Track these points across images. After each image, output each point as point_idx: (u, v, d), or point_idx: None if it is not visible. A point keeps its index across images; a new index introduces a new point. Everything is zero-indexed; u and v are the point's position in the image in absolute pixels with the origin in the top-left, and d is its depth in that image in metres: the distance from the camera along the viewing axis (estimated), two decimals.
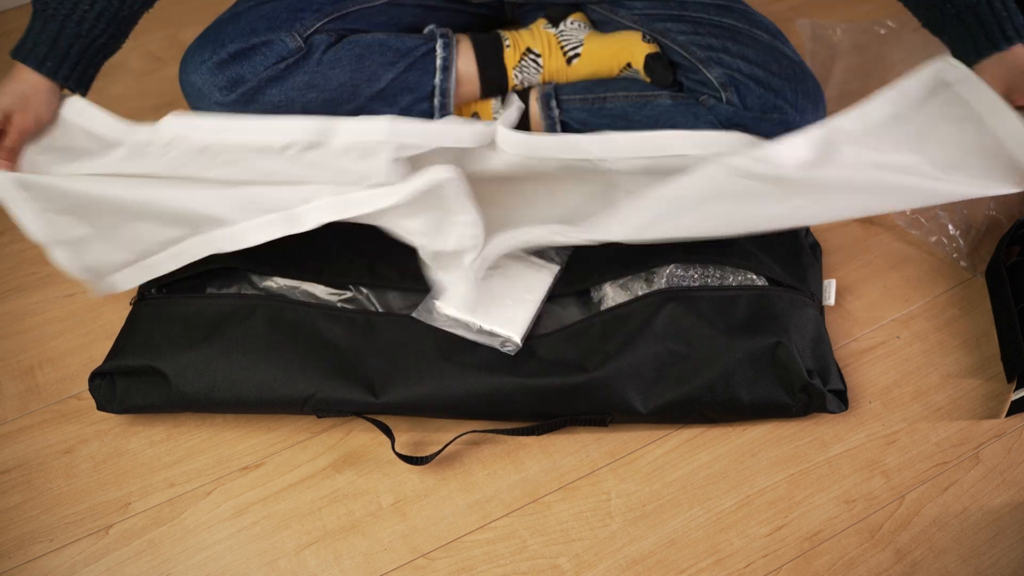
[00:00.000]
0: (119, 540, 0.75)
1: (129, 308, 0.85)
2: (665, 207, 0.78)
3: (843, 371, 0.82)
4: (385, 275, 0.86)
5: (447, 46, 0.96)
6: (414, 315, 0.81)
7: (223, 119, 0.79)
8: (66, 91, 0.80)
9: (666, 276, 0.82)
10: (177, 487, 0.78)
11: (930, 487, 0.76)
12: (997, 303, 0.88)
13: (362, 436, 0.81)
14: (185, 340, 0.79)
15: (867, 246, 0.95)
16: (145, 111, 1.15)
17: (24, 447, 0.81)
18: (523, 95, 1.01)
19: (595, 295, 0.86)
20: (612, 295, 0.83)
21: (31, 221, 0.77)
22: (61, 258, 0.79)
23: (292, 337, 0.79)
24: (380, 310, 0.84)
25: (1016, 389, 0.79)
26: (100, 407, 0.79)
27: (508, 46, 0.98)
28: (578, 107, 0.98)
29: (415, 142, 0.78)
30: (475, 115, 1.03)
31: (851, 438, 0.79)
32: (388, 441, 0.78)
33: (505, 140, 0.83)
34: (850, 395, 0.81)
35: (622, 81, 0.99)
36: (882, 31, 1.16)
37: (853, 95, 1.10)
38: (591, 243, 0.81)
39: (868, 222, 0.97)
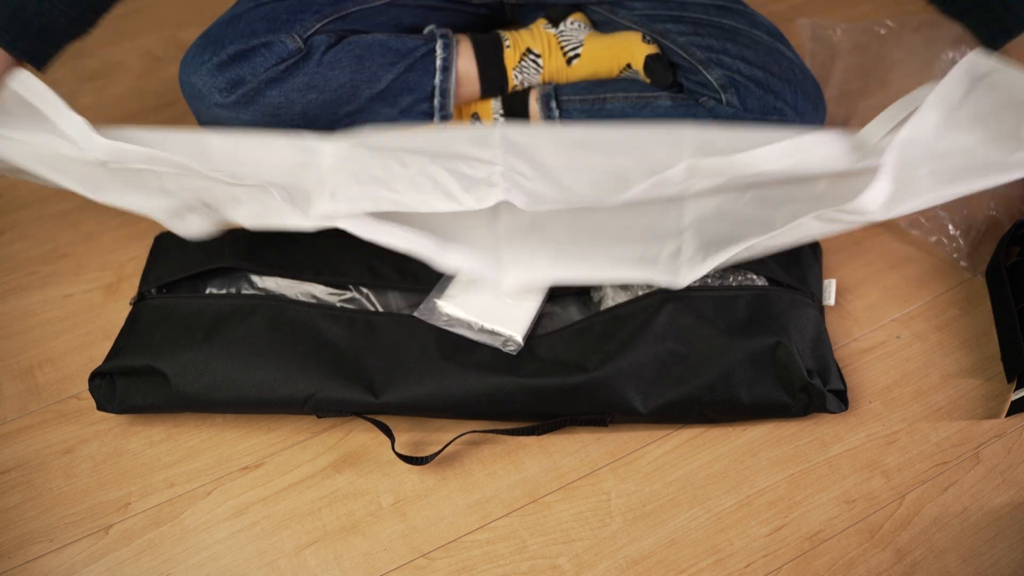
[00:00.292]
0: (119, 540, 0.75)
1: (129, 308, 0.85)
2: (757, 251, 0.79)
3: (843, 371, 0.82)
4: (385, 275, 0.86)
5: (447, 47, 0.96)
6: (415, 314, 0.81)
7: (151, 143, 0.78)
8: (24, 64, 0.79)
9: None
10: (177, 487, 0.78)
11: (930, 487, 0.76)
12: (997, 303, 0.88)
13: (362, 436, 0.81)
14: (185, 340, 0.79)
15: (867, 246, 0.95)
16: (145, 111, 1.15)
17: (24, 447, 0.81)
18: (523, 95, 1.01)
19: (595, 295, 0.86)
20: (612, 295, 0.84)
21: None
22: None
23: (292, 337, 0.79)
24: (380, 310, 0.84)
25: (1016, 389, 0.79)
26: (100, 407, 0.79)
27: (508, 46, 0.98)
28: (578, 108, 0.98)
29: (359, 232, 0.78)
30: (475, 115, 1.03)
31: (851, 438, 0.79)
32: (388, 441, 0.78)
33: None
34: (850, 395, 0.81)
35: (622, 82, 0.99)
36: (882, 31, 1.16)
37: (853, 95, 1.11)
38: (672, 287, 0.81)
39: None
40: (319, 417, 0.79)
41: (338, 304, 0.84)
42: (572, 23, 1.00)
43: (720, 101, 0.91)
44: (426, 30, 0.99)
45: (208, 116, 0.92)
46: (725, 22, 0.94)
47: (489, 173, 0.79)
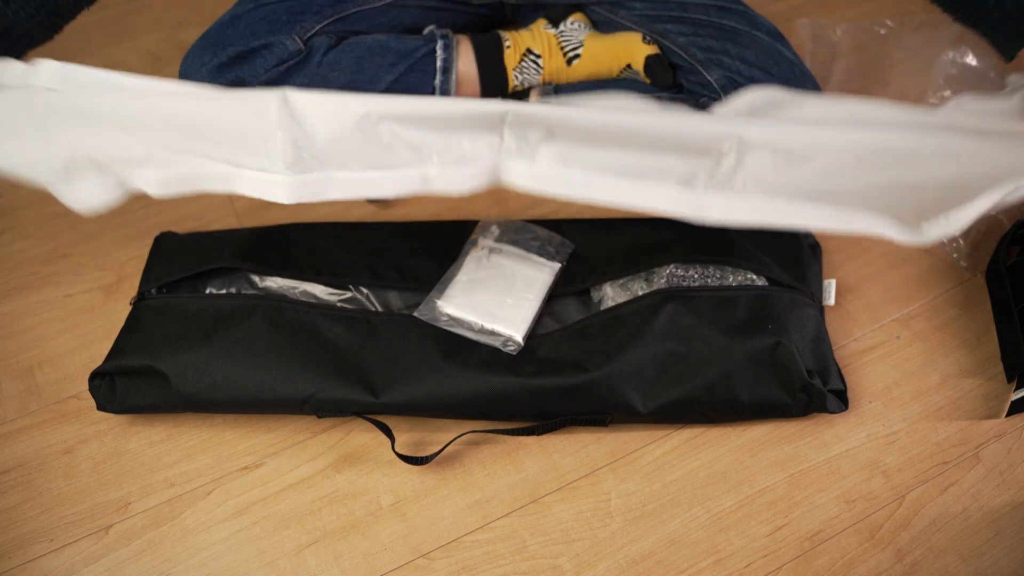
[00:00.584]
0: (119, 540, 0.75)
1: (129, 308, 0.85)
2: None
3: (843, 371, 0.82)
4: (385, 275, 0.86)
5: (447, 47, 0.96)
6: (415, 314, 0.81)
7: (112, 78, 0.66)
8: None
9: (666, 276, 0.82)
10: (177, 487, 0.78)
11: (930, 487, 0.76)
12: (997, 303, 0.88)
13: (362, 436, 0.81)
14: (185, 340, 0.79)
15: (867, 246, 0.95)
16: None
17: (24, 447, 0.81)
18: (523, 96, 1.01)
19: (595, 295, 0.86)
20: (612, 295, 0.84)
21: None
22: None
23: (292, 337, 0.79)
24: (380, 310, 0.84)
25: (1016, 389, 0.79)
26: (100, 407, 0.79)
27: (508, 47, 0.98)
28: None
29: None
30: None
31: (851, 438, 0.79)
32: (388, 441, 0.78)
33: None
34: (850, 395, 0.81)
35: (622, 82, 0.99)
36: (882, 31, 1.16)
37: (853, 95, 1.11)
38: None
39: None
40: (319, 417, 0.79)
41: (338, 304, 0.84)
42: (572, 23, 1.00)
43: (720, 102, 0.91)
44: (426, 31, 0.99)
45: None
46: (725, 23, 0.94)
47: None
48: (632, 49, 0.97)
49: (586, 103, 0.72)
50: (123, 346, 0.80)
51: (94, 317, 0.91)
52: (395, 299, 0.86)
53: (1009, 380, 0.82)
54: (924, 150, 0.66)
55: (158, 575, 0.72)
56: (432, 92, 0.96)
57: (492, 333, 0.80)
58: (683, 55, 0.95)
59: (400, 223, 0.93)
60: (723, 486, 0.76)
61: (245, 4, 0.93)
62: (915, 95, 1.08)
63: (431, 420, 0.81)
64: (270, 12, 0.91)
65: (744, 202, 0.65)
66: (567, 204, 1.00)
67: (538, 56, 0.99)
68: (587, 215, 0.99)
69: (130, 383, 0.79)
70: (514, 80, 0.99)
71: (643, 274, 0.84)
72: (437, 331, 0.80)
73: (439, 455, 0.77)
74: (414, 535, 0.74)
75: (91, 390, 0.79)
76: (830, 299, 0.86)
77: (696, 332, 0.78)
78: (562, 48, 0.99)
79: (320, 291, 0.86)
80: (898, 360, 0.85)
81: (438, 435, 0.80)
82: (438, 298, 0.82)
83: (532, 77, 1.00)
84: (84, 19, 1.32)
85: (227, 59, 0.88)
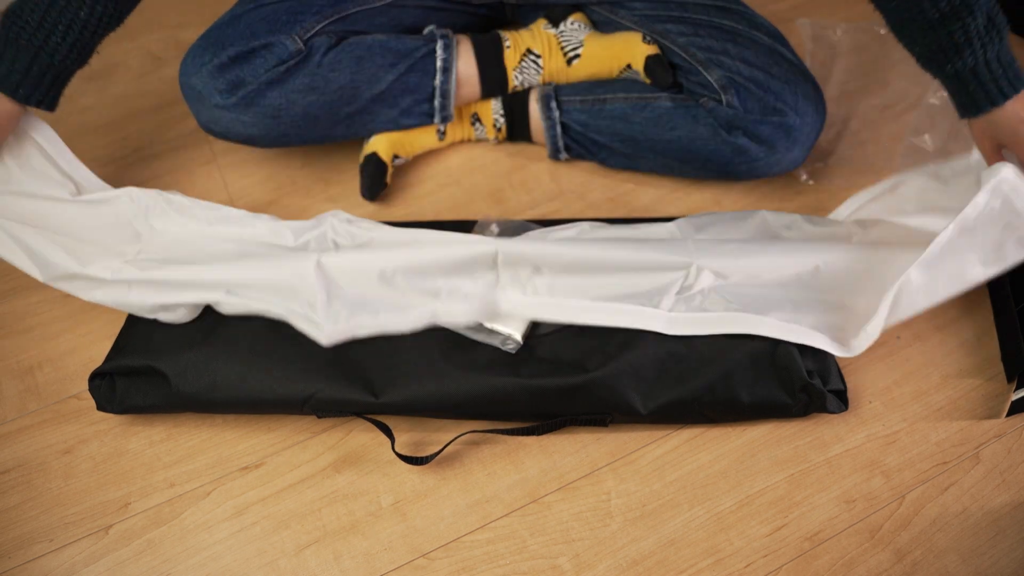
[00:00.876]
0: (119, 540, 0.75)
1: None
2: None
3: (843, 371, 0.82)
4: None
5: (447, 47, 0.96)
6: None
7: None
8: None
9: None
10: (177, 487, 0.78)
11: (930, 487, 0.76)
12: (997, 303, 0.88)
13: (362, 436, 0.81)
14: (185, 340, 0.79)
15: None
16: (145, 111, 1.15)
17: (24, 447, 0.81)
18: (523, 96, 1.01)
19: None
20: None
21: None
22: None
23: (292, 337, 0.79)
24: None
25: (1016, 389, 0.79)
26: (100, 407, 0.79)
27: (508, 47, 0.98)
28: (578, 108, 0.98)
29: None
30: (475, 116, 1.03)
31: (851, 438, 0.79)
32: (388, 441, 0.78)
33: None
34: (850, 395, 0.81)
35: (622, 82, 0.99)
36: (882, 31, 1.16)
37: (853, 95, 1.11)
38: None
39: None
40: (319, 417, 0.79)
41: None
42: (572, 23, 1.00)
43: (720, 102, 0.92)
44: (426, 31, 0.99)
45: (208, 117, 0.92)
46: (725, 23, 0.94)
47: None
48: (632, 49, 0.97)
49: (562, 236, 0.86)
50: (123, 346, 0.80)
51: (94, 317, 0.91)
52: None
53: (1009, 380, 0.82)
54: (840, 272, 0.80)
55: (158, 575, 0.72)
56: (432, 92, 0.96)
57: (491, 332, 0.80)
58: (683, 55, 0.95)
59: (400, 223, 0.93)
60: (723, 486, 0.76)
61: (245, 4, 0.93)
62: (915, 95, 1.08)
63: (431, 420, 0.81)
64: (270, 12, 0.91)
65: (703, 316, 0.78)
66: (566, 204, 1.00)
67: (538, 56, 0.99)
68: (587, 215, 0.99)
69: (130, 383, 0.79)
70: (514, 80, 0.99)
71: None
72: (437, 331, 0.80)
73: (439, 455, 0.77)
74: (414, 535, 0.74)
75: (91, 390, 0.79)
76: None
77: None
78: (562, 48, 0.99)
79: None
80: (898, 360, 0.85)
81: (438, 435, 0.80)
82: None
83: (532, 77, 1.00)
84: None
85: (227, 59, 0.88)
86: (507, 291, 0.81)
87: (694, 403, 0.76)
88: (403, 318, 0.79)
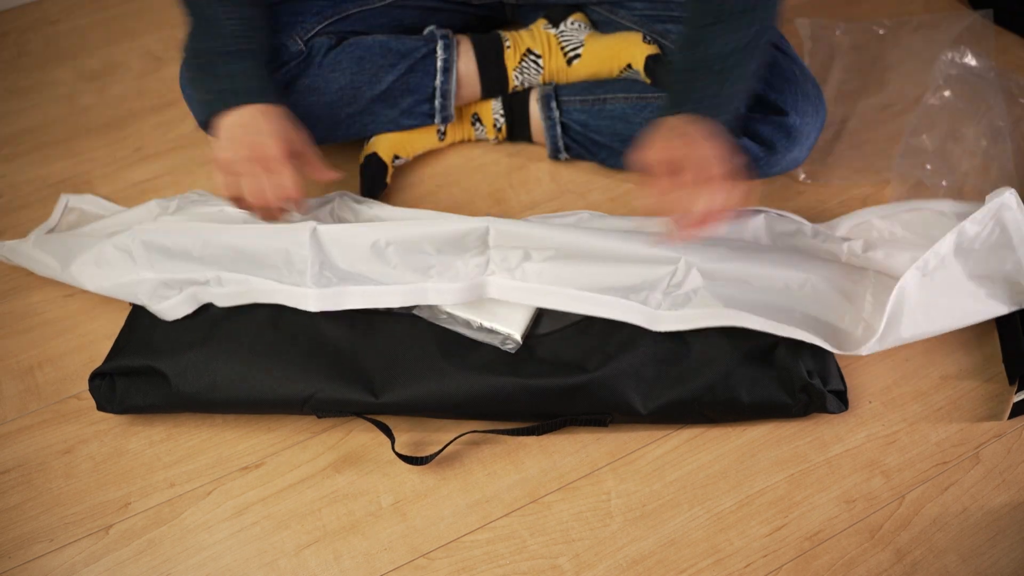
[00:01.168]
0: (119, 540, 0.75)
1: (129, 308, 0.85)
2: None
3: (843, 371, 0.82)
4: None
5: (447, 47, 0.96)
6: (415, 313, 0.81)
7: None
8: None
9: None
10: (177, 487, 0.78)
11: (930, 487, 0.76)
12: None
13: (362, 436, 0.81)
14: (185, 340, 0.79)
15: None
16: (145, 111, 1.15)
17: (24, 447, 0.81)
18: (523, 96, 1.01)
19: None
20: None
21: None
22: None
23: (292, 337, 0.79)
24: (380, 310, 0.84)
25: (1018, 391, 0.79)
26: (100, 407, 0.79)
27: (508, 47, 0.98)
28: (578, 108, 0.98)
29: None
30: (475, 116, 1.03)
31: (851, 438, 0.79)
32: (388, 441, 0.78)
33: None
34: (850, 395, 0.81)
35: (622, 82, 0.99)
36: (881, 31, 1.16)
37: (852, 95, 1.11)
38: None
39: None
40: (319, 417, 0.79)
41: None
42: (572, 23, 1.00)
43: None
44: (426, 31, 0.99)
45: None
46: None
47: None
48: (632, 49, 0.97)
49: (560, 223, 0.88)
50: (123, 346, 0.80)
51: (94, 317, 0.91)
52: None
53: (1011, 382, 0.82)
54: (829, 290, 0.80)
55: (158, 575, 0.72)
56: (432, 92, 0.96)
57: (491, 331, 0.80)
58: None
59: None
60: (723, 486, 0.76)
61: None
62: (914, 95, 1.08)
63: (431, 420, 0.81)
64: (271, 14, 0.91)
65: (689, 312, 0.78)
66: (566, 204, 1.00)
67: (538, 56, 0.99)
68: None
69: (130, 383, 0.79)
70: (514, 80, 0.99)
71: None
72: (437, 331, 0.80)
73: (439, 455, 0.77)
74: (414, 535, 0.74)
75: (91, 390, 0.79)
76: None
77: (696, 332, 0.78)
78: (562, 48, 0.99)
79: None
80: (898, 360, 0.85)
81: (438, 435, 0.80)
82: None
83: (532, 77, 1.00)
84: (84, 19, 1.32)
85: None
86: (496, 276, 0.81)
87: (694, 403, 0.76)
88: (393, 293, 0.80)
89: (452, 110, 0.98)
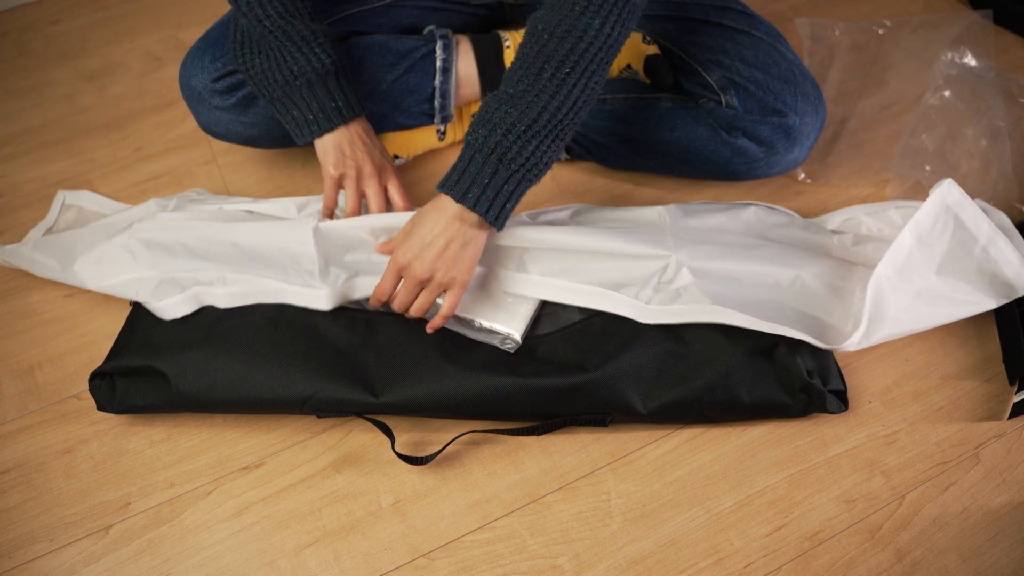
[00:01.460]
0: (119, 540, 0.75)
1: (129, 308, 0.85)
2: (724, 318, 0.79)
3: (843, 371, 0.82)
4: None
5: (447, 47, 0.95)
6: None
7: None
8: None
9: None
10: (177, 487, 0.78)
11: (930, 487, 0.76)
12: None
13: (362, 436, 0.81)
14: (185, 340, 0.79)
15: None
16: (145, 111, 1.15)
17: (24, 447, 0.81)
18: None
19: None
20: None
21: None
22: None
23: (292, 337, 0.79)
24: (380, 310, 0.84)
25: (1018, 392, 0.79)
26: (100, 407, 0.79)
27: (508, 46, 0.98)
28: None
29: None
30: (475, 115, 1.03)
31: (851, 438, 0.79)
32: (388, 441, 0.78)
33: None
34: (850, 395, 0.81)
35: (622, 82, 0.99)
36: (880, 31, 1.16)
37: (851, 95, 1.11)
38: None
39: None
40: (319, 417, 0.79)
41: None
42: None
43: (720, 103, 0.92)
44: (426, 31, 0.99)
45: (208, 118, 0.92)
46: (724, 22, 0.94)
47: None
48: (632, 49, 0.97)
49: (555, 216, 0.90)
50: (123, 346, 0.80)
51: (94, 317, 0.91)
52: None
53: (1011, 382, 0.82)
54: (819, 286, 0.81)
55: (158, 575, 0.72)
56: (432, 92, 0.96)
57: (491, 331, 0.80)
58: (683, 55, 0.95)
59: None
60: (723, 486, 0.76)
61: None
62: (914, 95, 1.08)
63: (431, 420, 0.81)
64: None
65: (679, 307, 0.78)
66: (566, 204, 1.00)
67: None
68: None
69: (130, 383, 0.79)
70: None
71: None
72: (437, 330, 0.80)
73: (439, 455, 0.77)
74: (414, 535, 0.74)
75: (91, 390, 0.79)
76: None
77: (696, 332, 0.78)
78: None
79: None
80: (898, 360, 0.85)
81: (438, 435, 0.80)
82: (438, 297, 0.82)
83: None
84: (84, 19, 1.32)
85: (228, 61, 0.88)
86: (494, 268, 0.82)
87: (694, 403, 0.76)
88: None
89: (452, 110, 0.98)
